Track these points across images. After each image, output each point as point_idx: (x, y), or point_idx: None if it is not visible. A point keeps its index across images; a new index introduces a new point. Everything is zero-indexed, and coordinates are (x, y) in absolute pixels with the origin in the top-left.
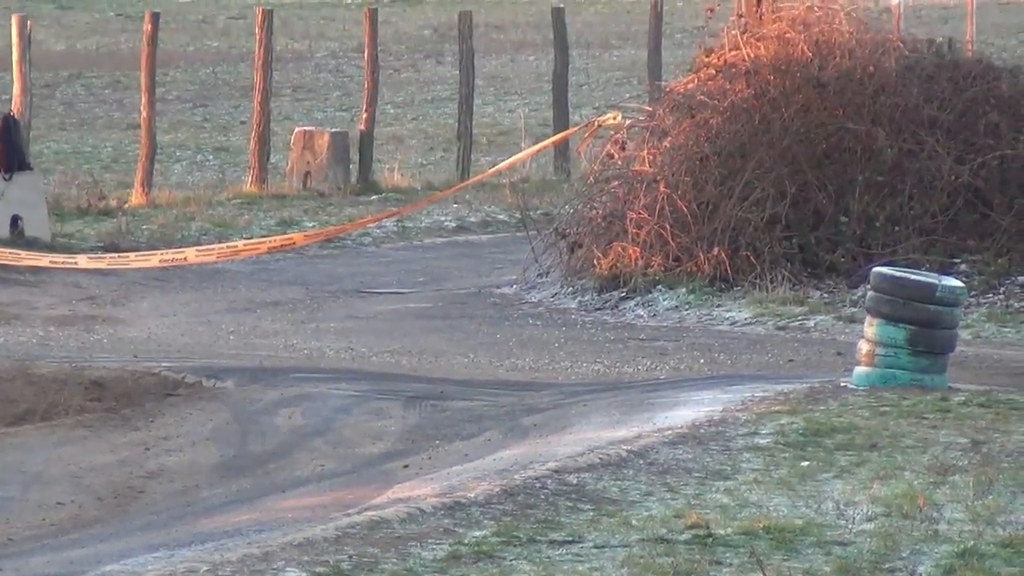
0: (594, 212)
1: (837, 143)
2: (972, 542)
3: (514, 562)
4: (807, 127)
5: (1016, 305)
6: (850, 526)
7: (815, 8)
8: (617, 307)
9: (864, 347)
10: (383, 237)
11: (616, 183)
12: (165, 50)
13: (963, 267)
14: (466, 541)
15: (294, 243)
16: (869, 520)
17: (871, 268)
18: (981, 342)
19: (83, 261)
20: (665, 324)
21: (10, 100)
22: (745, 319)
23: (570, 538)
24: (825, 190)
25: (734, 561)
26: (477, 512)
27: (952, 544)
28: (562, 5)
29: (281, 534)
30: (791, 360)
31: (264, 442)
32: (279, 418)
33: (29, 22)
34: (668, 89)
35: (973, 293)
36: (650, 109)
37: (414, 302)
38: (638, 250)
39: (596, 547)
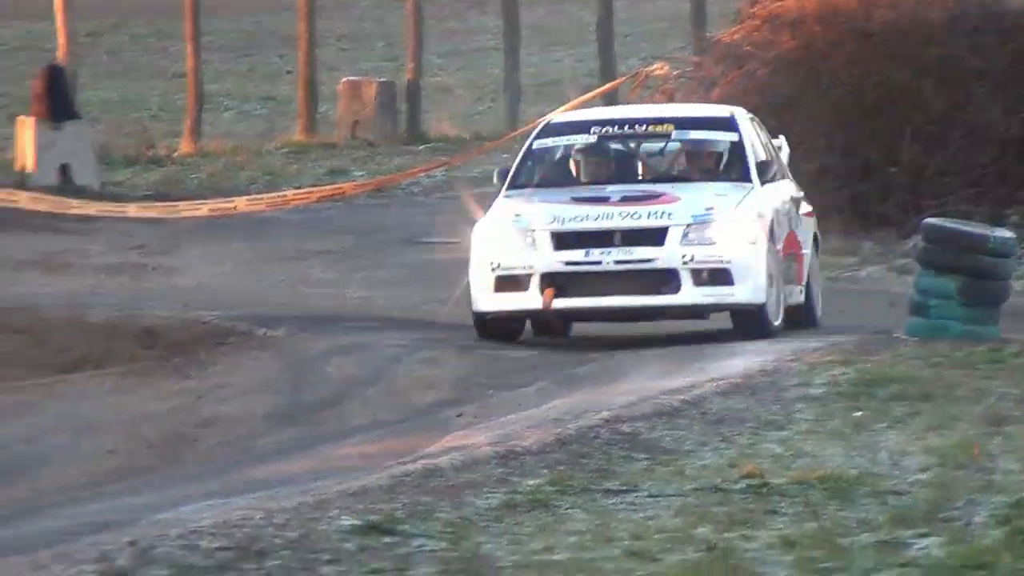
0: None
1: (885, 94)
2: None
3: (569, 511)
4: (854, 78)
5: None
6: (904, 476)
7: None
8: None
9: (916, 298)
10: (432, 186)
11: None
12: None
13: (1014, 218)
14: (520, 490)
15: (343, 192)
16: (923, 470)
17: (922, 219)
18: None
19: (132, 210)
20: None
21: (55, 49)
22: None
23: (624, 487)
24: (874, 141)
25: (788, 511)
26: (531, 461)
27: (1007, 494)
28: None
29: (335, 482)
30: (843, 311)
31: (316, 391)
32: (331, 367)
33: None
34: (715, 40)
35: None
36: (697, 60)
37: (463, 251)
38: None
39: (650, 496)
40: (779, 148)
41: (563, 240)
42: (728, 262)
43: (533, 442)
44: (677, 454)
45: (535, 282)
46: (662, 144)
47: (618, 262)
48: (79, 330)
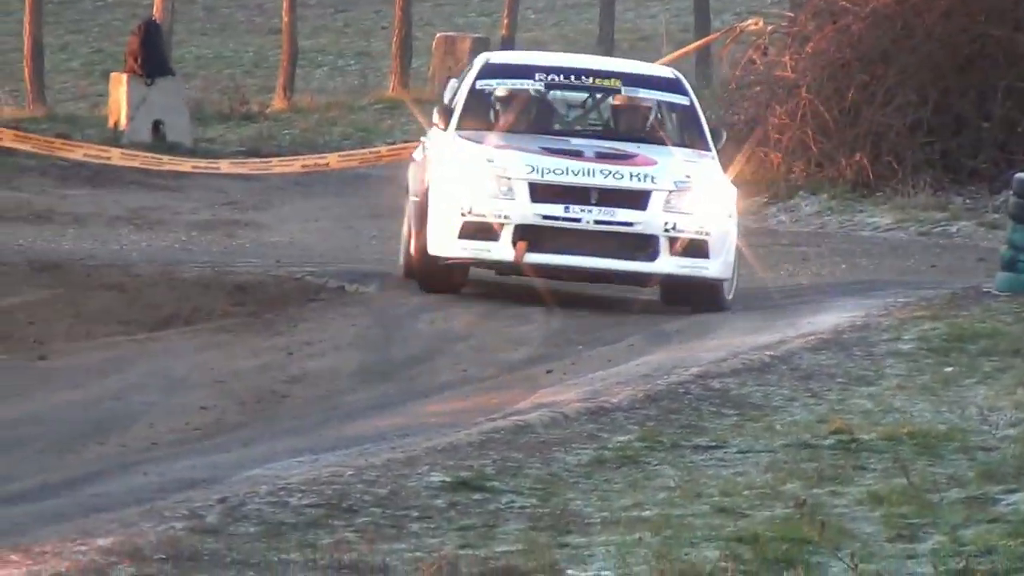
0: (736, 117)
1: (979, 49)
2: None
3: (658, 467)
4: (949, 32)
5: None
6: (994, 432)
7: None
8: (758, 213)
9: (1007, 253)
10: None
11: (758, 88)
12: None
13: None
14: (610, 446)
15: None
16: (1013, 426)
17: (1013, 174)
18: None
19: (225, 166)
20: (807, 229)
21: (151, 5)
22: (887, 225)
23: (714, 443)
24: (967, 96)
25: (878, 466)
26: (621, 417)
27: None
28: None
29: (425, 439)
30: (933, 266)
31: (407, 347)
32: (421, 323)
33: None
34: None
35: None
36: (791, 15)
37: None
38: (780, 156)
39: (740, 452)
40: None
41: (540, 192)
42: (708, 234)
43: (623, 398)
44: (766, 410)
45: (507, 233)
46: (609, 97)
47: (598, 222)
48: (171, 287)
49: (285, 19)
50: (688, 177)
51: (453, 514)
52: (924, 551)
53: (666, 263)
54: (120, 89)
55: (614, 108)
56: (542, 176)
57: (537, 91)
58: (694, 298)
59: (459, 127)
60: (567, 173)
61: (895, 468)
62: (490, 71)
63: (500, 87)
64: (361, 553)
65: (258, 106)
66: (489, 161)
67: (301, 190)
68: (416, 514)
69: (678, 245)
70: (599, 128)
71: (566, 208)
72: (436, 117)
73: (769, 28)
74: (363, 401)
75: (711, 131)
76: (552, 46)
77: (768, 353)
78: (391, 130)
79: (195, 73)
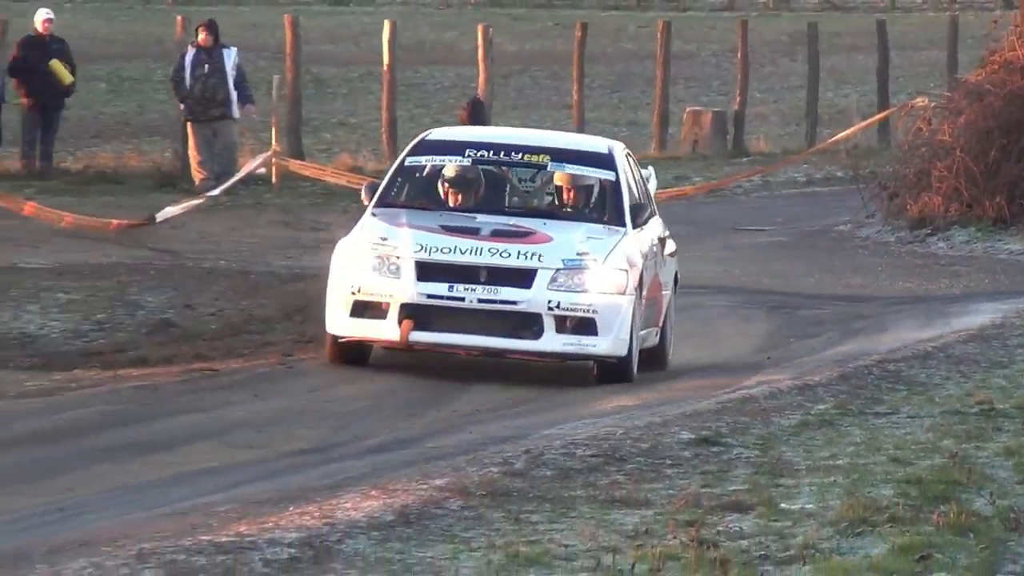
0: (907, 170)
1: None
2: None
3: (848, 428)
4: None
5: None
6: None
7: None
8: (923, 241)
9: None
10: (751, 189)
11: (924, 149)
12: (590, 50)
13: None
14: (812, 412)
15: (686, 193)
16: None
17: None
18: None
19: None
20: (959, 254)
21: (476, 87)
22: (1019, 250)
23: (889, 410)
24: None
25: (1010, 428)
26: (821, 391)
27: None
28: (884, 19)
29: (675, 407)
30: None
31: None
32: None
33: (491, 28)
34: (962, 80)
35: None
36: (949, 95)
37: (773, 236)
38: (939, 199)
39: (908, 417)
40: (648, 179)
41: (427, 270)
42: (594, 312)
43: (822, 377)
44: (928, 386)
45: (393, 312)
46: (536, 174)
47: (481, 300)
48: None
49: (575, 98)
50: (581, 255)
51: (696, 462)
52: None
53: (552, 341)
54: None
55: (535, 185)
56: (429, 255)
57: (462, 166)
58: (598, 371)
59: (378, 204)
60: (455, 252)
61: (1023, 430)
62: (423, 148)
63: (427, 162)
64: (629, 491)
65: None
66: (382, 239)
67: None
68: (669, 462)
69: (566, 323)
70: (513, 205)
71: (450, 287)
72: (363, 195)
73: (932, 104)
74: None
75: (634, 207)
76: (771, 117)
77: (930, 344)
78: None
79: None
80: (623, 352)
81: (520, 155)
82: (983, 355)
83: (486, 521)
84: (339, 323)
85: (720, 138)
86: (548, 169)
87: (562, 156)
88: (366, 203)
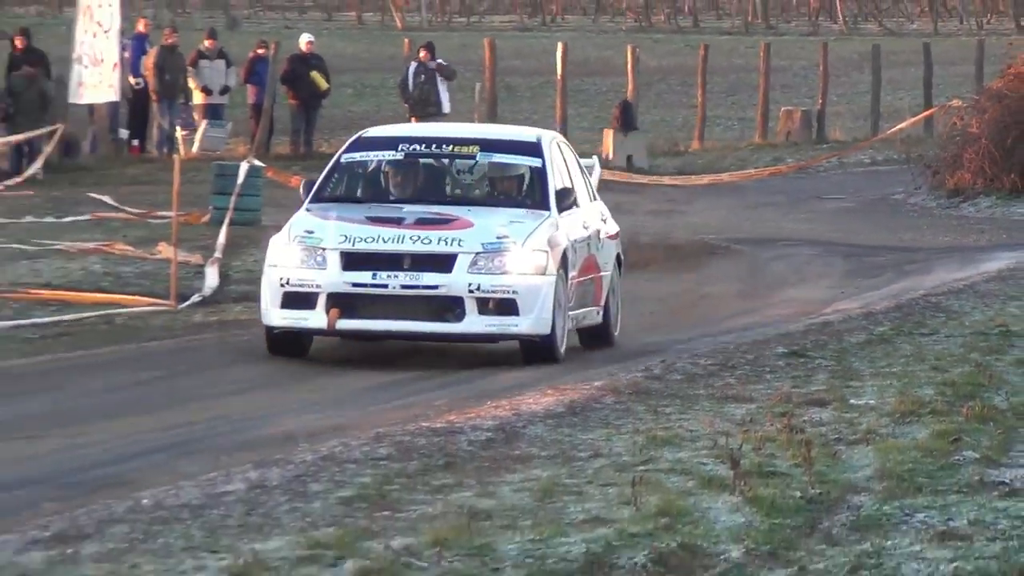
0: (945, 154)
1: None
2: None
3: (900, 344)
4: None
5: None
6: None
7: None
8: (957, 207)
9: None
10: (829, 168)
11: (958, 138)
12: (711, 65)
13: None
14: (874, 333)
15: (781, 171)
16: None
17: None
18: None
19: (667, 180)
20: (984, 216)
21: (626, 92)
22: None
23: (930, 332)
24: None
25: (1022, 345)
26: (880, 317)
27: None
28: (929, 42)
29: (772, 329)
30: None
31: (765, 280)
32: (772, 266)
33: (637, 48)
34: (987, 87)
35: None
36: (976, 98)
37: (845, 203)
38: (969, 175)
39: (945, 336)
40: (591, 168)
41: (352, 260)
42: (514, 292)
43: (883, 307)
44: (960, 314)
45: (321, 301)
46: (469, 165)
47: (404, 286)
48: (633, 247)
49: (699, 99)
50: (501, 238)
51: (788, 369)
52: None
53: (474, 323)
54: (609, 137)
55: (473, 177)
56: (353, 245)
57: (395, 160)
58: (522, 351)
59: (312, 199)
60: (378, 241)
61: None
62: (359, 145)
63: (362, 158)
64: (738, 390)
65: (684, 147)
66: (308, 232)
67: (709, 193)
68: (768, 369)
69: (488, 305)
70: (439, 194)
71: (374, 275)
72: (301, 192)
73: (964, 105)
74: (738, 309)
75: (560, 191)
76: (844, 115)
77: (961, 283)
78: (756, 162)
79: (651, 129)
80: (546, 331)
81: (451, 147)
82: (1001, 290)
83: (632, 412)
84: (272, 315)
85: (807, 130)
86: (478, 160)
87: (491, 146)
88: (303, 199)
